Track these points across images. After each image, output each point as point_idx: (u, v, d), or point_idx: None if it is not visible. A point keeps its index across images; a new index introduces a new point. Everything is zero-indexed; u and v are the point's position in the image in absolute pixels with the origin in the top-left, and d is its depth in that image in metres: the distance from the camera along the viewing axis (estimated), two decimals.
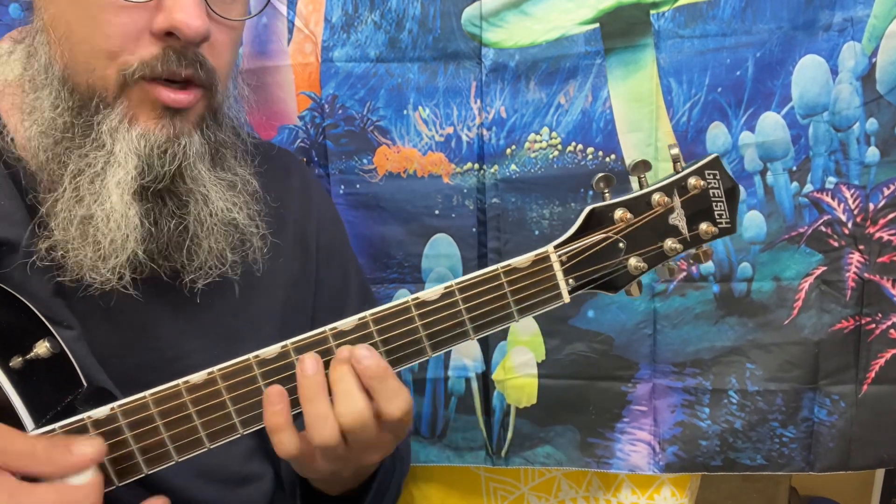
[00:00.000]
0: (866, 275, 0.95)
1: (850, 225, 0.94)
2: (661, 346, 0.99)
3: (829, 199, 0.94)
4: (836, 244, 0.95)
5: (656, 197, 0.64)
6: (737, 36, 0.88)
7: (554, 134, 0.93)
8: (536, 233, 0.96)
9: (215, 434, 0.58)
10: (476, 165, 0.95)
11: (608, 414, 1.02)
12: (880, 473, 1.60)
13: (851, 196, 0.93)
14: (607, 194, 0.64)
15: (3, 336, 0.56)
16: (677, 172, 0.66)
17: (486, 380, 1.02)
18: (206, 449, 0.58)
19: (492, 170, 0.95)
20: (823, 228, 0.95)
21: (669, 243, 0.65)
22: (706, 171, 0.66)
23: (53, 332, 0.58)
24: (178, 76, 0.60)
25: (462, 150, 0.95)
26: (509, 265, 0.62)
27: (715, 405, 1.00)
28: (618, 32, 0.89)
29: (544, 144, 0.93)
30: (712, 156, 0.66)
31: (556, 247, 0.63)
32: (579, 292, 0.65)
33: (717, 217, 0.67)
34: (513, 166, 0.94)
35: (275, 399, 0.57)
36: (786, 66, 0.89)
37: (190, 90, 0.61)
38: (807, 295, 0.96)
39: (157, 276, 0.65)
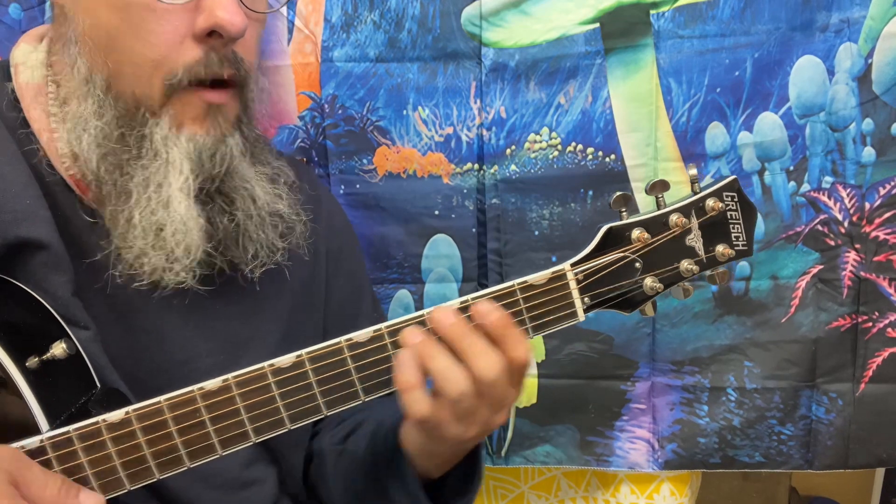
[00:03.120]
0: (863, 273, 0.95)
1: (846, 224, 0.95)
2: (660, 344, 0.99)
3: (825, 199, 0.95)
4: (832, 243, 0.95)
5: (674, 218, 0.64)
6: (736, 36, 0.89)
7: (554, 134, 0.93)
8: (536, 233, 0.96)
9: (228, 441, 0.58)
10: (476, 166, 0.95)
11: (608, 412, 1.02)
12: (880, 473, 1.59)
13: (848, 195, 0.94)
14: (624, 213, 0.64)
15: (21, 336, 0.56)
16: (695, 193, 0.66)
17: None
18: (217, 456, 0.58)
19: (491, 170, 0.95)
20: (820, 227, 0.95)
21: (685, 264, 0.65)
22: (724, 193, 0.66)
23: (69, 332, 0.58)
24: (221, 77, 0.61)
25: (462, 151, 0.95)
26: (525, 282, 0.61)
27: (713, 403, 1.00)
28: (618, 32, 0.89)
29: (544, 144, 0.94)
30: (731, 178, 0.66)
31: (572, 265, 0.63)
32: (594, 311, 0.64)
33: (733, 239, 0.67)
34: (513, 166, 0.95)
35: (406, 359, 0.57)
36: (783, 66, 0.90)
37: (228, 89, 0.63)
38: (804, 293, 0.97)
39: (208, 275, 0.67)
